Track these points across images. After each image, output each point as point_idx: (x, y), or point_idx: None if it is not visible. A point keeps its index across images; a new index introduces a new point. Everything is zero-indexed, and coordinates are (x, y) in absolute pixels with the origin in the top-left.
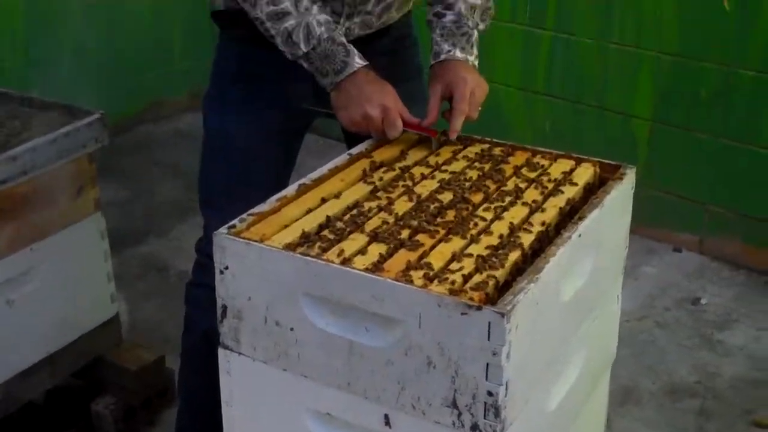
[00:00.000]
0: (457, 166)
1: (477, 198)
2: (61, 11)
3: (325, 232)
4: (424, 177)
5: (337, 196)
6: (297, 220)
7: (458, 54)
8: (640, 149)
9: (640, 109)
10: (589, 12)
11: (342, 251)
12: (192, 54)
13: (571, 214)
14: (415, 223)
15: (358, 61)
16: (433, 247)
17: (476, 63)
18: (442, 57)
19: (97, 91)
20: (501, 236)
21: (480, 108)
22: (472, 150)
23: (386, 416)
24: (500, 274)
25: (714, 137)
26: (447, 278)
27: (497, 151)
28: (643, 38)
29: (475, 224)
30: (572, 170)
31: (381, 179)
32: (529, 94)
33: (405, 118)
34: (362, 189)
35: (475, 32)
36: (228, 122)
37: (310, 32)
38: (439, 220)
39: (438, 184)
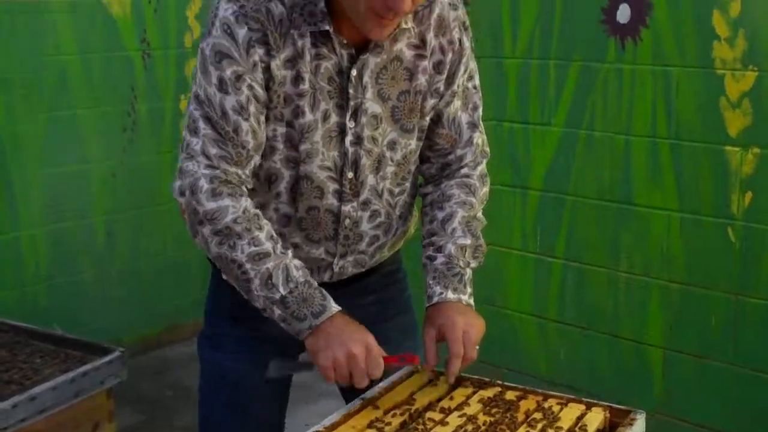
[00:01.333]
0: (469, 410)
1: None
2: (84, 241)
3: None
4: (435, 423)
5: None
6: None
7: (450, 295)
8: (654, 377)
9: (652, 337)
10: (598, 241)
11: None
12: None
13: None
14: None
15: (335, 306)
16: None
17: (471, 301)
18: (435, 300)
19: (117, 315)
20: None
21: (477, 346)
22: (485, 394)
23: None
24: None
25: (727, 365)
26: None
27: (510, 395)
28: (651, 267)
29: None
30: (583, 415)
31: (393, 425)
32: (542, 321)
33: (384, 357)
34: None
35: (468, 270)
36: (222, 359)
37: (289, 275)
38: None
39: (451, 431)
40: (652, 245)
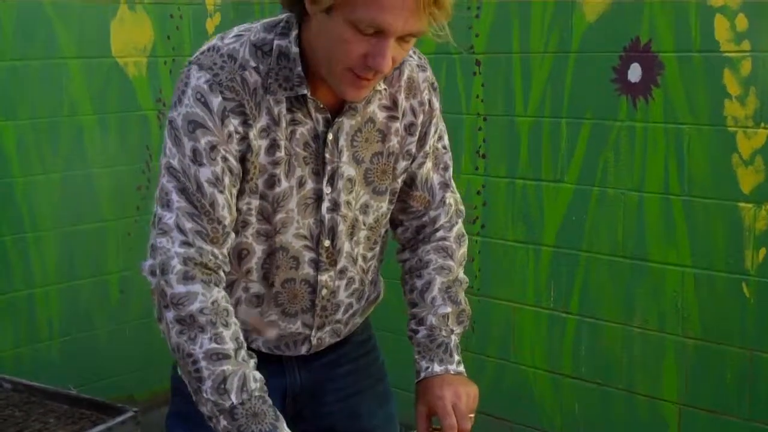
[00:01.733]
0: None
1: None
2: (98, 299)
3: None
4: None
5: None
6: None
7: (436, 368)
8: None
9: (667, 392)
10: (612, 297)
11: None
12: None
13: None
14: None
15: (287, 429)
16: None
17: (460, 368)
18: (422, 375)
19: (129, 371)
20: None
21: (473, 414)
22: None
23: None
24: None
25: (743, 420)
26: None
27: None
28: (666, 323)
29: None
30: None
31: None
32: (557, 377)
33: None
34: None
35: (453, 338)
36: None
37: (245, 383)
38: None
39: None
40: (666, 301)
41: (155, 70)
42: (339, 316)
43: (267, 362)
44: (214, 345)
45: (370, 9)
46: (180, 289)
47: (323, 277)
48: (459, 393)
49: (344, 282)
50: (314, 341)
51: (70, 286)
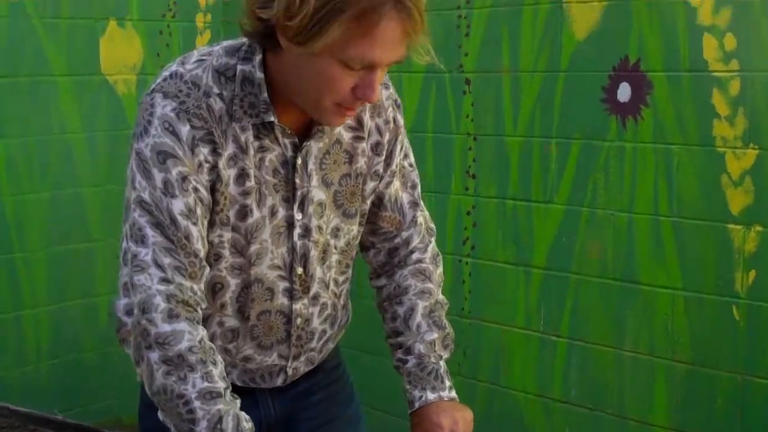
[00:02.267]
0: None
1: None
2: (87, 321)
3: None
4: None
5: None
6: None
7: (430, 396)
8: None
9: (657, 417)
10: (603, 320)
11: None
12: None
13: None
14: None
15: None
16: None
17: (452, 393)
18: (417, 405)
19: (118, 395)
20: None
21: None
22: None
23: None
24: None
25: None
26: None
27: None
28: (656, 347)
29: None
30: None
31: None
32: (547, 401)
33: None
34: None
35: (442, 363)
36: None
37: (239, 423)
38: None
39: None
40: (656, 324)
41: (145, 87)
42: (314, 344)
43: (240, 395)
44: (206, 384)
45: (362, 47)
46: (165, 327)
47: (297, 306)
48: (456, 419)
49: (317, 308)
50: (290, 371)
51: (58, 308)
